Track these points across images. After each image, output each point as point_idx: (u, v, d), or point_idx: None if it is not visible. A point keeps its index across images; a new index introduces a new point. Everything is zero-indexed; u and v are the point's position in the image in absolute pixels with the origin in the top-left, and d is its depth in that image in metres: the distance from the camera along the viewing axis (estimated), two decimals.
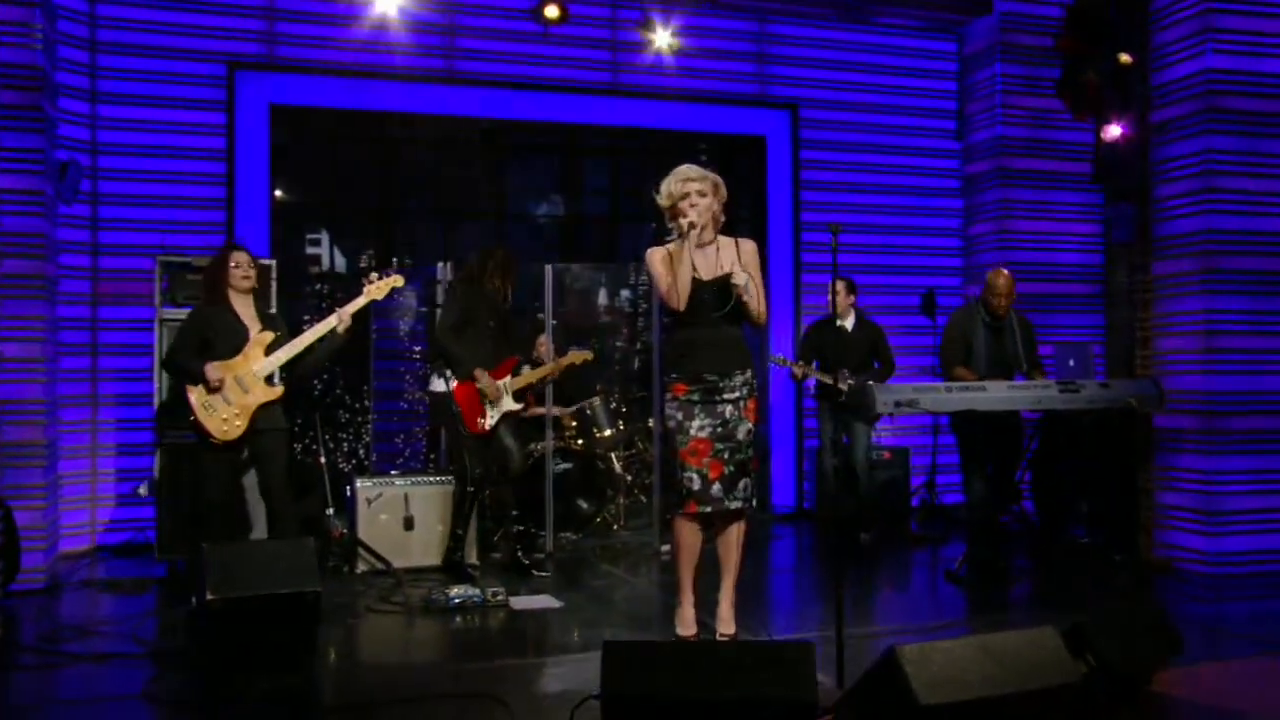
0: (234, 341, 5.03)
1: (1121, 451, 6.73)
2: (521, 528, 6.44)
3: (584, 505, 7.28)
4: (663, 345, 4.53)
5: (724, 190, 4.31)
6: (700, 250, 4.22)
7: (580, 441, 7.28)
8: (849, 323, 7.31)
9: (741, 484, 4.26)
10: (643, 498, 7.59)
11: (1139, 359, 6.98)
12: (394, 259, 7.74)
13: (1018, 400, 5.99)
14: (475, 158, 8.13)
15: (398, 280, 5.34)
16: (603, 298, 8.84)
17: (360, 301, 5.23)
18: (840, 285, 7.28)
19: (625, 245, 8.72)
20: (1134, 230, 7.13)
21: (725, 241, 4.33)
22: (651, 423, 7.44)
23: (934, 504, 8.19)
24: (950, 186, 9.02)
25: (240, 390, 4.96)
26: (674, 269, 4.13)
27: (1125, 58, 6.87)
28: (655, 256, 4.27)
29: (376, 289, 5.26)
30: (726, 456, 4.23)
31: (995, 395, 5.93)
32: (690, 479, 4.20)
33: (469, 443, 5.86)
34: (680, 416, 4.22)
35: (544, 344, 7.06)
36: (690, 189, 4.20)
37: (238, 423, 4.93)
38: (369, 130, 7.76)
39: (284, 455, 5.12)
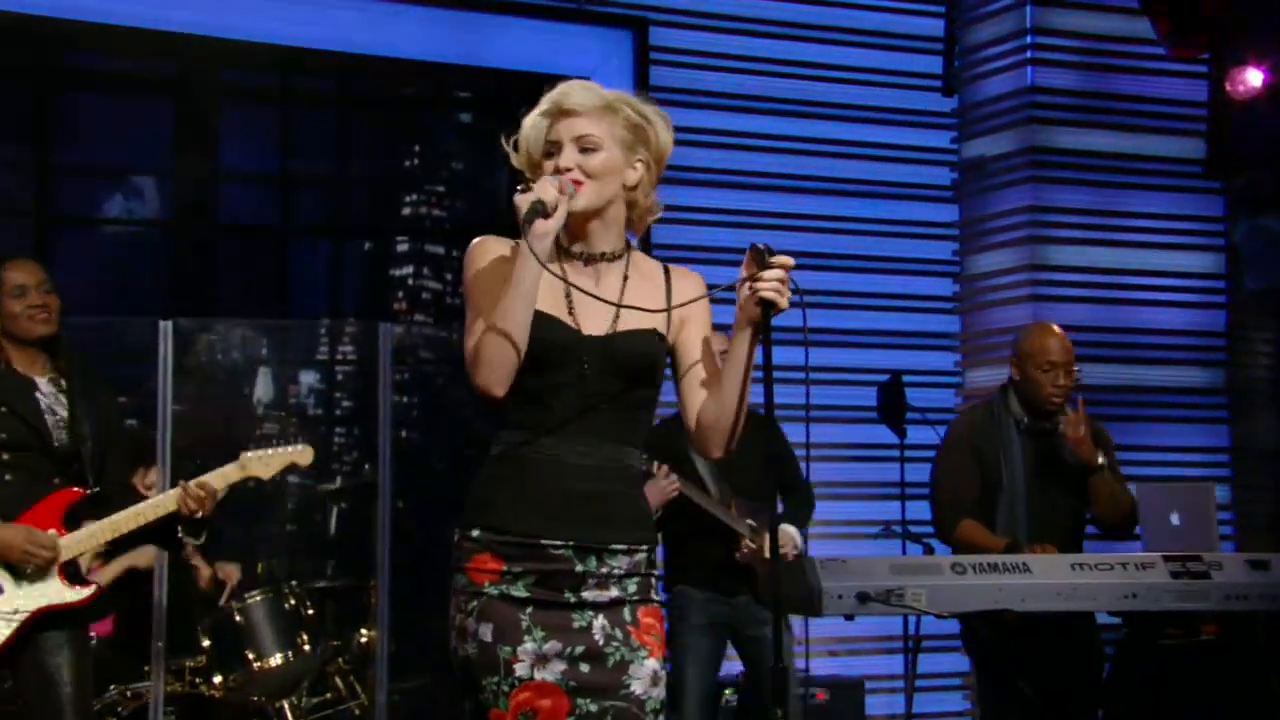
0: None
1: None
2: None
3: None
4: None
5: (662, 138, 3.96)
6: (584, 266, 3.92)
7: (219, 679, 7.01)
8: None
9: None
10: None
11: None
12: None
13: (1093, 594, 5.66)
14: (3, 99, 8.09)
15: None
16: (263, 387, 8.80)
17: None
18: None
19: (303, 284, 8.77)
20: None
21: (647, 266, 4.02)
22: (366, 635, 7.44)
23: None
24: (933, 182, 9.02)
25: None
26: (507, 287, 3.79)
27: None
28: (487, 250, 3.94)
29: None
30: None
31: (1050, 582, 5.66)
32: None
33: None
34: (489, 634, 3.80)
35: (152, 478, 6.90)
36: (566, 132, 3.81)
37: None
38: None
39: None
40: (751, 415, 6.86)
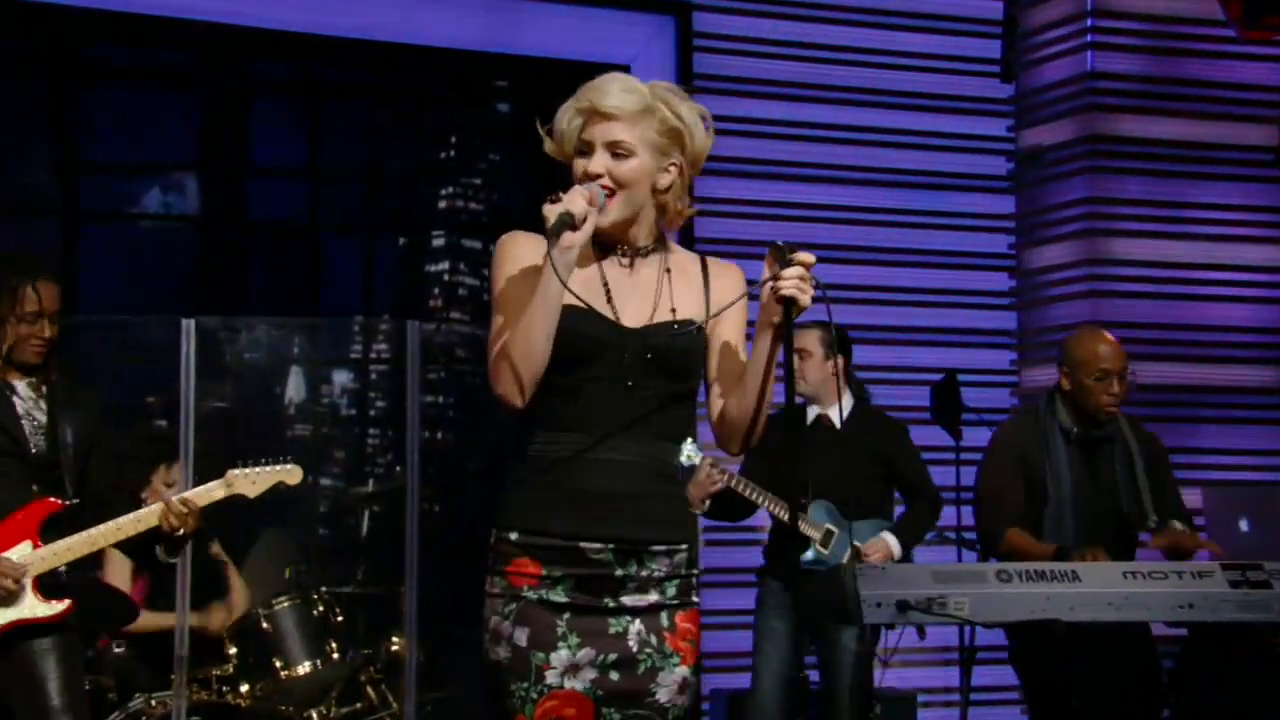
0: None
1: None
2: None
3: None
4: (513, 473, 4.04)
5: (698, 142, 3.97)
6: (619, 259, 3.98)
7: (246, 688, 6.98)
8: (835, 413, 6.93)
9: None
10: None
11: None
12: None
13: (1145, 603, 5.57)
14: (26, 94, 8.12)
15: None
16: (294, 387, 8.85)
17: None
18: (813, 338, 6.89)
19: (336, 281, 8.78)
20: None
21: (683, 258, 4.07)
22: (397, 642, 7.42)
23: None
24: (989, 172, 9.01)
25: None
26: (538, 292, 3.82)
27: None
28: (515, 250, 3.96)
29: None
30: None
31: (1101, 591, 5.57)
32: None
33: None
34: (524, 638, 3.84)
35: (172, 477, 6.94)
36: (599, 136, 3.84)
37: None
38: None
39: None
40: (869, 408, 7.17)
